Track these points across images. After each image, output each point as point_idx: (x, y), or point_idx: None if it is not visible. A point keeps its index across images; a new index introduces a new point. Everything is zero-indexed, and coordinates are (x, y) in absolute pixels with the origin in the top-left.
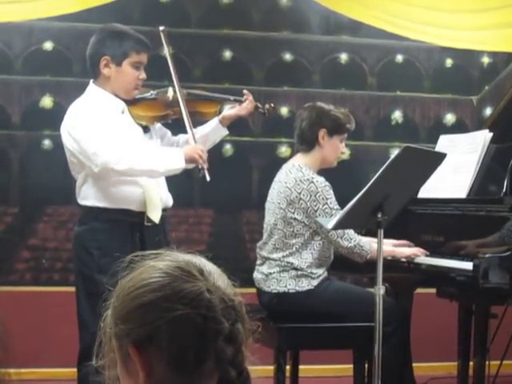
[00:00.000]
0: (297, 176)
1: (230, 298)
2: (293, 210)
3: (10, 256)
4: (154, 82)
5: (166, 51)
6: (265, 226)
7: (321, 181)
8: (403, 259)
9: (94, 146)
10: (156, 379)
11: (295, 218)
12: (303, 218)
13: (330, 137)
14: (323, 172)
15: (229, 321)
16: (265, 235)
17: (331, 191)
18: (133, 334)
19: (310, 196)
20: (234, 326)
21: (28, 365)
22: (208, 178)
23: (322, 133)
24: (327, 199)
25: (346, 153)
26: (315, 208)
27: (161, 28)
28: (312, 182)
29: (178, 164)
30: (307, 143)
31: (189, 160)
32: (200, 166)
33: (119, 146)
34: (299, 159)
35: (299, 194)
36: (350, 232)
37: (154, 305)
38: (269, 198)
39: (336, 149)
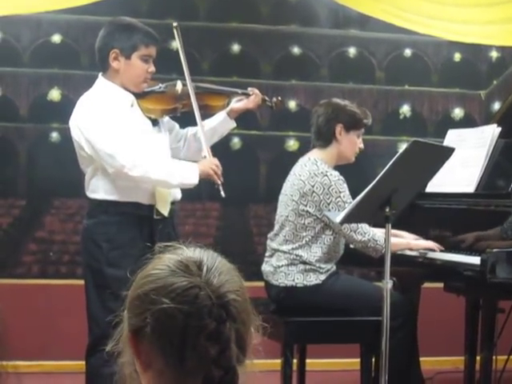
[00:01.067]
0: (311, 169)
1: (221, 295)
2: (305, 203)
3: (18, 249)
4: (162, 75)
5: (179, 47)
6: (277, 217)
7: (335, 174)
8: (412, 253)
9: (110, 149)
10: (154, 370)
11: (307, 211)
12: (315, 211)
13: (347, 132)
14: (335, 167)
15: (215, 319)
16: (276, 227)
17: (345, 185)
18: (130, 323)
19: (323, 189)
20: (220, 324)
21: (36, 357)
22: (223, 195)
23: (339, 128)
24: (340, 193)
25: (362, 148)
26: (328, 201)
27: (174, 24)
28: (326, 175)
29: (192, 180)
30: (324, 139)
31: (204, 175)
32: (215, 183)
33: (136, 151)
34: (316, 154)
35: (312, 186)
36: (364, 226)
37: (145, 296)
38: (282, 191)
39: (353, 144)
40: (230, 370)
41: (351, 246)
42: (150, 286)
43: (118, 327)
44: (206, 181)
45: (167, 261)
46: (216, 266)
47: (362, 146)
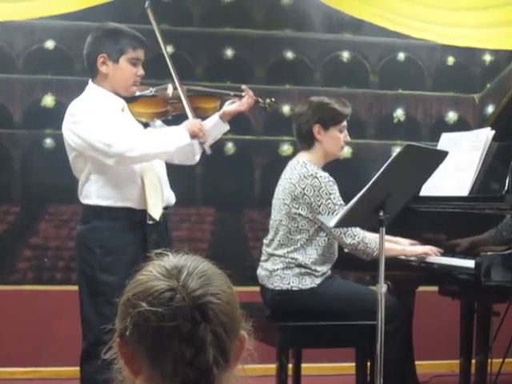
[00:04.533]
0: (301, 172)
1: (197, 297)
2: (297, 206)
3: (12, 255)
4: (155, 80)
5: (155, 28)
6: (271, 222)
7: (324, 176)
8: (405, 256)
9: (105, 138)
10: (144, 375)
11: (300, 214)
12: (307, 213)
13: (326, 130)
14: (326, 168)
15: (189, 321)
16: (271, 232)
17: (335, 187)
18: (117, 328)
19: (314, 191)
20: (195, 326)
21: (30, 364)
22: (209, 151)
23: (317, 128)
24: (330, 194)
25: (349, 140)
26: (318, 203)
27: (146, 4)
28: (316, 177)
29: (184, 140)
30: (306, 141)
31: (191, 134)
32: (201, 140)
33: (128, 134)
34: (303, 156)
35: (303, 189)
36: (354, 228)
37: (128, 301)
38: (275, 195)
39: (336, 140)
40: (207, 372)
41: (345, 249)
42: (133, 291)
43: (113, 334)
44: (198, 181)
45: (152, 267)
46: (198, 270)
47: (347, 138)
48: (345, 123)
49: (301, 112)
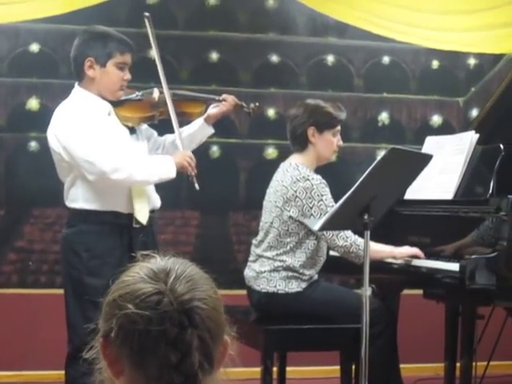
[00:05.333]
0: (293, 174)
1: (184, 302)
2: (289, 208)
3: None
4: (140, 83)
5: (151, 38)
6: (261, 224)
7: (316, 178)
8: (394, 260)
9: (89, 156)
10: (125, 376)
11: (291, 217)
12: (298, 216)
13: (321, 133)
14: (318, 168)
15: (176, 325)
16: (261, 234)
17: (327, 189)
18: (101, 329)
19: (306, 193)
20: (182, 330)
21: (15, 367)
22: (197, 187)
23: (312, 131)
24: (322, 196)
25: (342, 145)
26: (310, 205)
27: (146, 14)
28: (308, 179)
29: (170, 173)
30: (299, 143)
31: (179, 168)
32: (189, 173)
33: (115, 155)
34: (296, 158)
35: (295, 191)
36: (346, 231)
37: (114, 302)
38: (266, 197)
39: (329, 144)
40: (191, 376)
41: (331, 252)
42: (119, 292)
43: (96, 334)
44: (183, 185)
45: (138, 268)
46: (185, 274)
47: (340, 143)
48: (339, 128)
49: (296, 114)
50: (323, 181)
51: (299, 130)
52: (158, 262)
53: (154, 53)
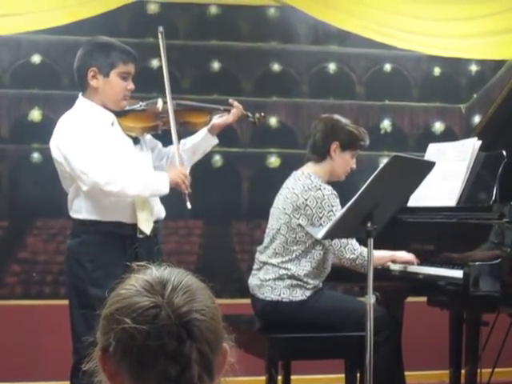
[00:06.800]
0: (305, 183)
1: (182, 315)
2: (298, 216)
3: (0, 270)
4: (143, 94)
5: (162, 53)
6: (267, 230)
7: (328, 188)
8: (395, 267)
9: (84, 166)
10: None
11: (299, 225)
12: (307, 224)
13: (343, 151)
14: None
15: (175, 338)
16: (266, 240)
17: (337, 200)
18: (99, 342)
19: (317, 203)
20: (180, 344)
21: (20, 378)
22: (189, 206)
23: (335, 146)
24: (333, 207)
25: (355, 168)
26: (320, 215)
27: (160, 29)
28: (319, 189)
29: (163, 190)
30: (319, 153)
31: (173, 185)
32: (182, 192)
33: (109, 167)
34: (309, 168)
35: (306, 200)
36: (354, 243)
37: (111, 316)
38: (274, 204)
39: (346, 163)
40: None
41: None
42: (116, 306)
43: (95, 346)
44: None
45: (134, 280)
46: (182, 285)
47: (354, 166)
48: (358, 151)
49: (324, 126)
50: (334, 192)
51: (323, 141)
52: (154, 273)
53: (163, 67)
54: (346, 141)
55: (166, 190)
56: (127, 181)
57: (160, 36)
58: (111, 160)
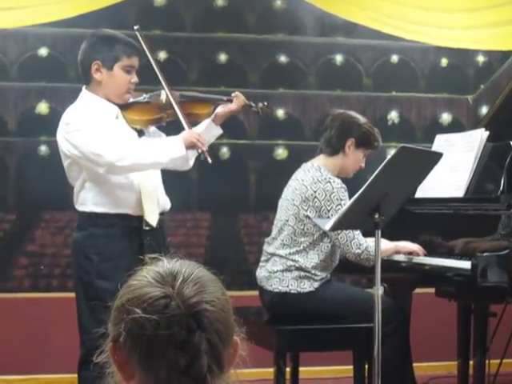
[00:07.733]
0: (315, 175)
1: (192, 305)
2: (306, 208)
3: (8, 263)
4: (148, 86)
5: (145, 49)
6: (275, 221)
7: (337, 182)
8: (401, 258)
9: (96, 148)
10: (136, 381)
11: (307, 216)
12: (315, 216)
13: (357, 148)
14: None
15: (184, 329)
16: (274, 231)
17: (346, 194)
18: (111, 333)
19: (325, 195)
20: (190, 334)
21: (28, 371)
22: (210, 160)
23: (350, 142)
24: (341, 200)
25: (363, 168)
26: (328, 208)
27: (135, 27)
28: (329, 181)
29: (179, 152)
30: (333, 148)
31: (188, 145)
32: (200, 150)
33: (121, 144)
34: (320, 160)
35: (315, 192)
36: (360, 237)
37: (122, 306)
38: (283, 195)
39: (358, 161)
40: (201, 380)
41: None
42: (127, 297)
43: (106, 338)
44: (194, 187)
45: (146, 272)
46: (193, 276)
47: (363, 165)
48: (369, 152)
49: (340, 122)
50: (343, 185)
51: (339, 137)
52: (165, 264)
53: (152, 62)
54: (361, 139)
55: (182, 152)
56: (139, 152)
57: (138, 34)
58: (120, 139)
